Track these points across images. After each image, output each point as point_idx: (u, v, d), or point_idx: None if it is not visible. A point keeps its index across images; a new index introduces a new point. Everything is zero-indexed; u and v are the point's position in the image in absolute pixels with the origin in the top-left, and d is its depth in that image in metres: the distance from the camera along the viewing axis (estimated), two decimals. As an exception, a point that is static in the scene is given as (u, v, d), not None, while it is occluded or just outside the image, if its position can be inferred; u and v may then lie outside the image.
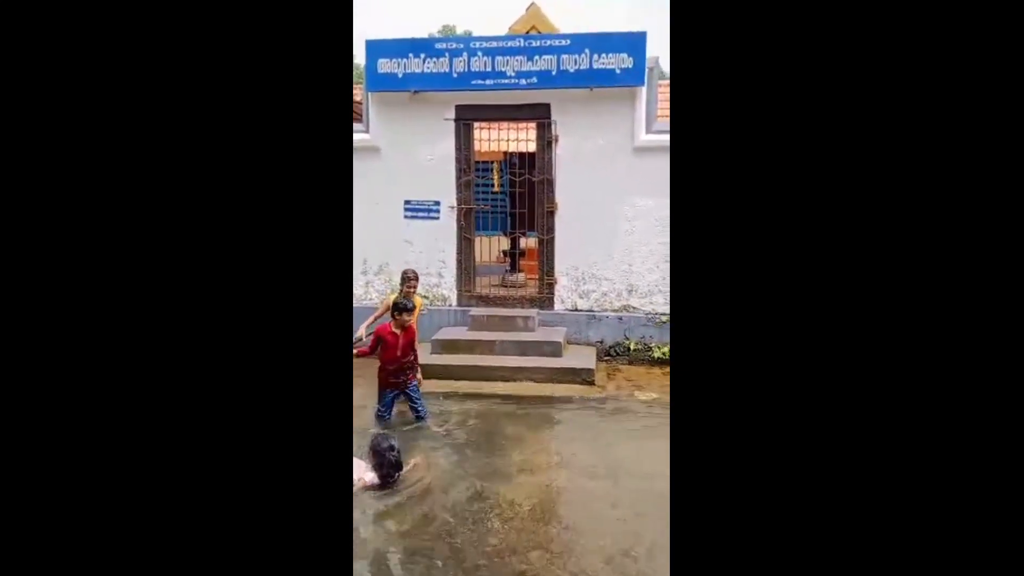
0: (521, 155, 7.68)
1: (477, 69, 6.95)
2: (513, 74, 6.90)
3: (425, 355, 6.29)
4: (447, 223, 7.38)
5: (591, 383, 6.27)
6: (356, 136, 7.29)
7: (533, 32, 7.89)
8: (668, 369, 6.43)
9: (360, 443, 4.29)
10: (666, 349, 6.92)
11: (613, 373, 6.77)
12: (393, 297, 5.61)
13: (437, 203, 7.37)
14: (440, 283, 7.42)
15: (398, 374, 5.16)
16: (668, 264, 5.75)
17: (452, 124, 7.23)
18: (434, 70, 7.02)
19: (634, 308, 7.24)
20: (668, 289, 6.69)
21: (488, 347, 6.68)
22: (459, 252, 7.43)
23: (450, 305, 7.45)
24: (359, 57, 7.58)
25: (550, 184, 7.20)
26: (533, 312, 7.17)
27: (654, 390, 6.14)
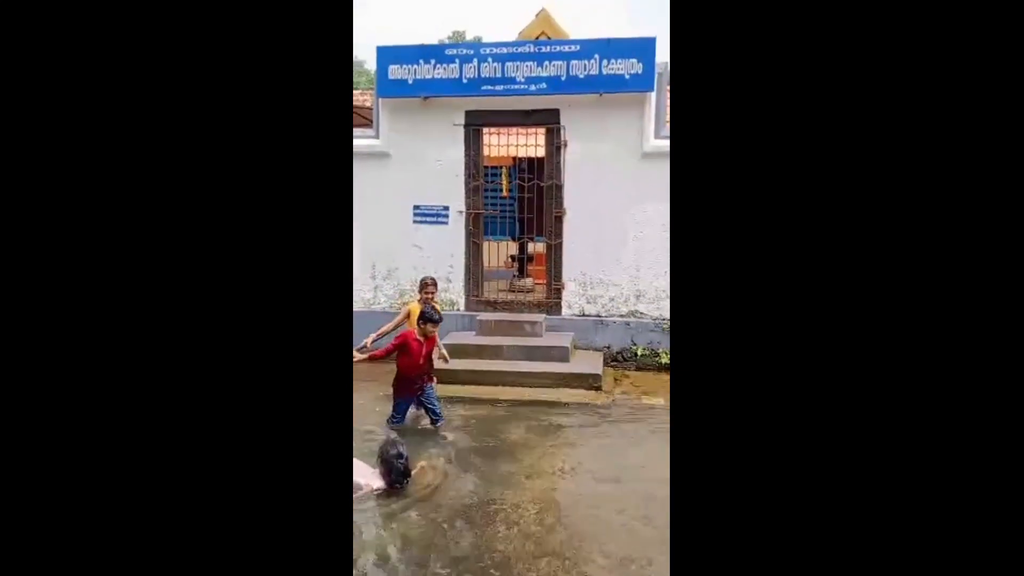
0: (530, 160, 7.70)
1: (487, 75, 6.99)
2: (523, 80, 6.93)
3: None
4: (456, 228, 7.41)
5: (598, 388, 6.27)
6: (366, 141, 7.34)
7: (543, 38, 7.93)
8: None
9: (361, 446, 4.31)
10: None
11: (620, 378, 6.77)
12: (413, 305, 5.63)
13: (446, 208, 7.40)
14: (448, 288, 7.44)
15: (416, 381, 5.19)
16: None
17: (462, 129, 7.27)
18: (444, 76, 7.06)
19: (641, 313, 7.23)
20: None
21: (496, 352, 6.69)
22: (467, 257, 7.46)
23: (458, 310, 7.47)
24: (370, 63, 7.64)
25: (559, 189, 7.21)
26: (540, 317, 7.18)
27: (661, 395, 6.13)
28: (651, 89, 6.83)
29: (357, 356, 4.96)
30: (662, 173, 6.57)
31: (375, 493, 3.92)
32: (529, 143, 7.51)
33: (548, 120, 7.15)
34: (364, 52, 18.09)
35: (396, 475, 3.93)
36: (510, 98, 7.01)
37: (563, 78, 6.87)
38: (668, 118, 7.12)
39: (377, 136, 7.45)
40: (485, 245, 7.64)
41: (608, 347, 7.21)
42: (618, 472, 4.42)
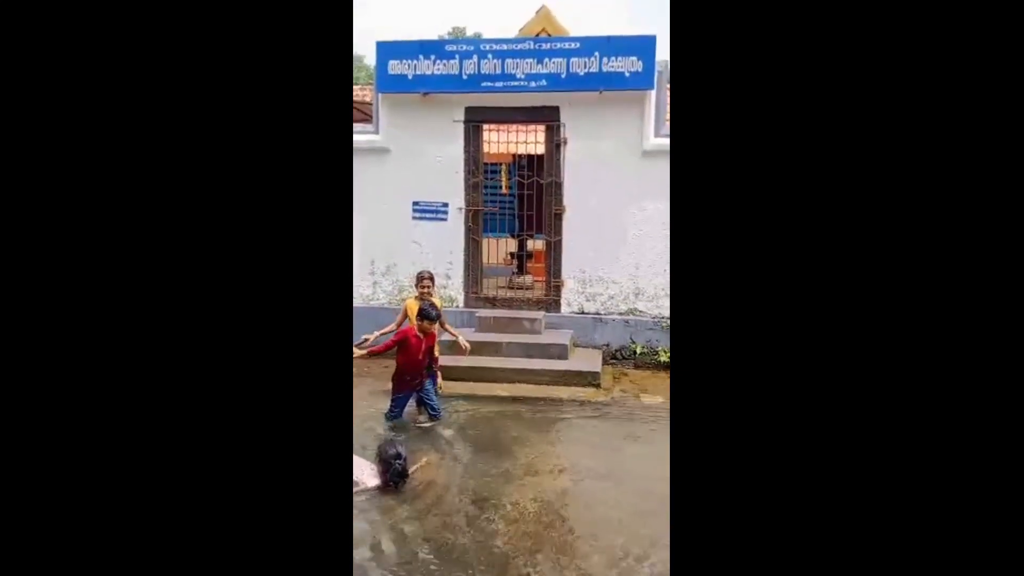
0: (530, 157, 7.69)
1: (487, 71, 6.97)
2: (523, 76, 6.92)
3: (432, 356, 6.31)
4: (455, 224, 7.40)
5: (597, 386, 6.27)
6: (366, 137, 7.33)
7: (543, 35, 7.91)
8: (674, 373, 6.41)
9: (361, 442, 4.30)
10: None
11: (619, 376, 6.77)
12: (410, 301, 5.63)
13: (445, 204, 7.39)
14: (448, 284, 7.43)
15: (415, 376, 5.20)
16: (675, 268, 5.75)
17: (461, 126, 7.26)
18: (444, 72, 7.05)
19: (640, 311, 7.23)
20: (675, 293, 6.68)
21: (495, 349, 6.69)
22: (467, 254, 7.45)
23: (457, 306, 7.46)
24: (369, 58, 7.63)
25: (558, 187, 7.21)
26: (540, 314, 7.18)
27: (659, 394, 6.13)
28: (651, 87, 6.82)
29: (357, 352, 4.96)
30: (661, 171, 6.56)
31: (371, 491, 3.91)
32: (529, 140, 7.50)
33: (548, 117, 7.14)
34: (364, 47, 18.08)
35: (393, 475, 3.93)
36: (510, 95, 7.00)
37: (563, 75, 6.86)
38: (668, 116, 7.12)
39: (377, 132, 7.43)
40: (484, 242, 7.63)
41: (607, 345, 7.22)
42: (616, 469, 4.42)
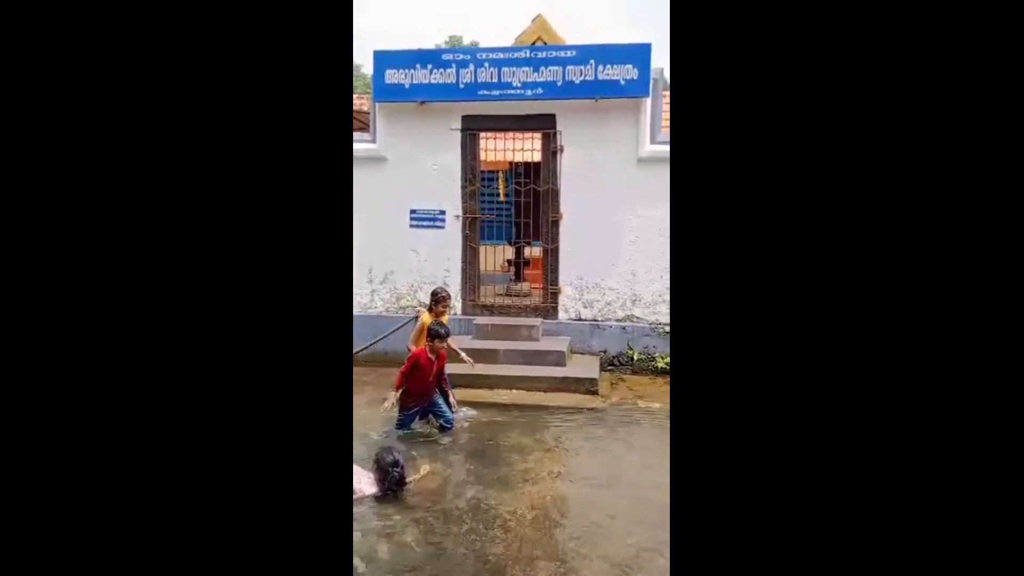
0: (526, 165, 7.72)
1: (483, 80, 7.00)
2: (519, 85, 6.95)
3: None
4: (452, 232, 7.42)
5: (594, 393, 6.27)
6: (363, 146, 7.35)
7: (539, 43, 7.95)
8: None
9: (358, 451, 4.30)
10: (669, 359, 6.92)
11: (616, 383, 6.77)
12: (426, 316, 5.64)
13: (443, 212, 7.41)
14: (445, 292, 7.44)
15: (423, 397, 5.22)
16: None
17: (458, 134, 7.28)
18: (441, 81, 7.08)
19: (638, 318, 7.25)
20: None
21: (492, 356, 6.68)
22: (464, 261, 7.46)
23: (455, 314, 7.46)
24: (367, 67, 7.65)
25: (555, 194, 7.23)
26: (537, 321, 7.18)
27: (657, 400, 6.14)
28: (647, 95, 6.86)
29: (388, 402, 5.07)
30: (658, 178, 6.60)
31: (369, 499, 3.92)
32: (525, 148, 7.52)
33: (544, 125, 7.17)
34: (361, 56, 18.13)
35: (391, 483, 3.94)
36: (506, 103, 7.03)
37: (559, 83, 6.90)
38: (664, 124, 7.15)
39: (374, 140, 7.46)
40: (482, 249, 7.64)
41: (604, 351, 7.22)
42: (614, 476, 4.43)
